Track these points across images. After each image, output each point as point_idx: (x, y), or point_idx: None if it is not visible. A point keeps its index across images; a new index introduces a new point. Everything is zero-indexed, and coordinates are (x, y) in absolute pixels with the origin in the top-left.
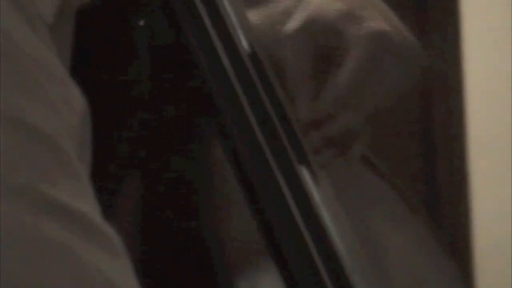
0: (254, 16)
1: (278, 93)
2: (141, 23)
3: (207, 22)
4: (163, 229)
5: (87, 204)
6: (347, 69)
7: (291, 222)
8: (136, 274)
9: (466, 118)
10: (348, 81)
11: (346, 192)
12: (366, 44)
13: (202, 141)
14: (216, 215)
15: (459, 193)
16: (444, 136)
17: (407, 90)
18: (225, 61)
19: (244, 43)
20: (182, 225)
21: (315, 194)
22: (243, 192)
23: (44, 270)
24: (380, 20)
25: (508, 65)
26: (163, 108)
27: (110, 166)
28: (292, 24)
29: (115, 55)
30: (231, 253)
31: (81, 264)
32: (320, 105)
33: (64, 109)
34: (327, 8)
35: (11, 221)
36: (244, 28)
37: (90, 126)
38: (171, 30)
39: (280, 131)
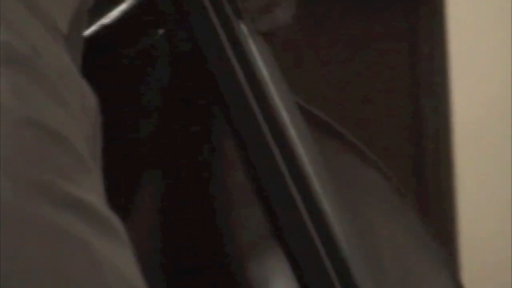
0: None
1: (287, 99)
2: (161, 32)
3: (219, 29)
4: (181, 225)
5: (98, 198)
6: None
7: (295, 213)
8: (153, 267)
9: (452, 116)
10: None
11: (341, 182)
12: None
13: (217, 141)
14: (230, 212)
15: (445, 186)
16: (431, 133)
17: None
18: (235, 64)
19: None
20: (199, 222)
21: (316, 185)
22: (254, 186)
23: (61, 262)
24: None
25: (491, 67)
26: (180, 112)
27: (129, 165)
28: None
29: (136, 61)
30: (243, 245)
31: (96, 257)
32: None
33: (79, 112)
34: None
35: (32, 215)
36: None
37: (100, 123)
38: (188, 38)
39: (290, 134)
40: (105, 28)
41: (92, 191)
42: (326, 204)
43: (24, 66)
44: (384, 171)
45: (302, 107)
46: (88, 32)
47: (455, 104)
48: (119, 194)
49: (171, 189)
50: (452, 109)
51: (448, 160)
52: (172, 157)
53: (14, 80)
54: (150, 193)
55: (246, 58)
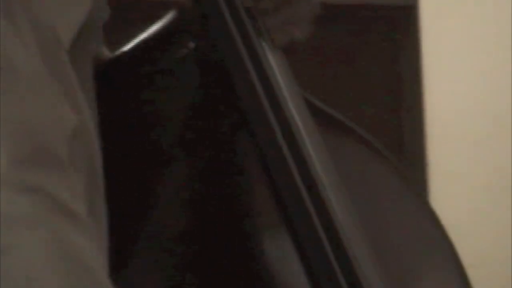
0: None
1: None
2: (192, 45)
3: (239, 44)
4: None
5: (67, 190)
6: None
7: (302, 205)
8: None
9: (425, 117)
10: None
11: (352, 178)
12: None
13: (238, 141)
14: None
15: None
16: (410, 128)
17: None
18: (254, 76)
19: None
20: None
21: (325, 180)
22: (268, 185)
23: (14, 244)
24: None
25: (460, 75)
26: (206, 116)
27: (160, 151)
28: None
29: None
30: (262, 230)
31: (56, 238)
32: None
33: (52, 117)
34: None
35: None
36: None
37: (87, 133)
38: (214, 51)
39: (301, 138)
40: (144, 41)
41: (58, 183)
42: (331, 196)
43: (3, 72)
44: (395, 164)
45: (316, 107)
46: (129, 45)
47: (428, 107)
48: (147, 188)
49: (198, 182)
50: (425, 112)
51: (422, 154)
52: (197, 152)
53: None
54: (177, 185)
55: (264, 70)
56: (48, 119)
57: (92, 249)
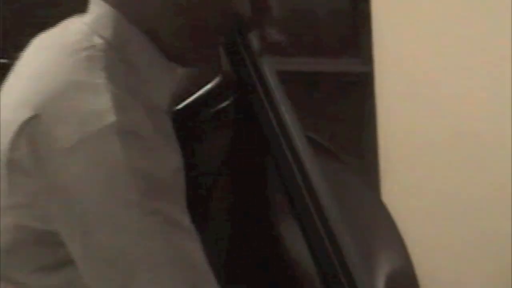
0: None
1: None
2: (232, 98)
3: (264, 99)
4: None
5: (176, 209)
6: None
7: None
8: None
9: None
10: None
11: (337, 188)
12: None
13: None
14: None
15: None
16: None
17: None
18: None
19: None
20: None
21: (320, 189)
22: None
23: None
24: None
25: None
26: (244, 145)
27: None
28: None
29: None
30: (281, 222)
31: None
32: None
33: (164, 161)
34: None
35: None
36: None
37: (183, 175)
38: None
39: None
40: (199, 97)
41: (170, 206)
42: (325, 201)
43: (131, 135)
44: (365, 179)
45: (313, 138)
46: (187, 101)
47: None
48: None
49: (238, 198)
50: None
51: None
52: (237, 177)
53: (126, 145)
54: (222, 201)
55: (280, 116)
56: (163, 164)
57: (197, 249)
